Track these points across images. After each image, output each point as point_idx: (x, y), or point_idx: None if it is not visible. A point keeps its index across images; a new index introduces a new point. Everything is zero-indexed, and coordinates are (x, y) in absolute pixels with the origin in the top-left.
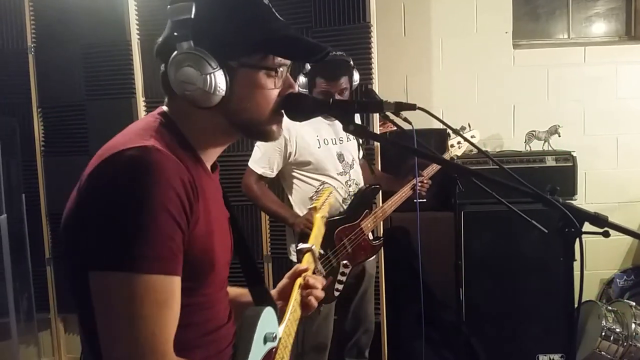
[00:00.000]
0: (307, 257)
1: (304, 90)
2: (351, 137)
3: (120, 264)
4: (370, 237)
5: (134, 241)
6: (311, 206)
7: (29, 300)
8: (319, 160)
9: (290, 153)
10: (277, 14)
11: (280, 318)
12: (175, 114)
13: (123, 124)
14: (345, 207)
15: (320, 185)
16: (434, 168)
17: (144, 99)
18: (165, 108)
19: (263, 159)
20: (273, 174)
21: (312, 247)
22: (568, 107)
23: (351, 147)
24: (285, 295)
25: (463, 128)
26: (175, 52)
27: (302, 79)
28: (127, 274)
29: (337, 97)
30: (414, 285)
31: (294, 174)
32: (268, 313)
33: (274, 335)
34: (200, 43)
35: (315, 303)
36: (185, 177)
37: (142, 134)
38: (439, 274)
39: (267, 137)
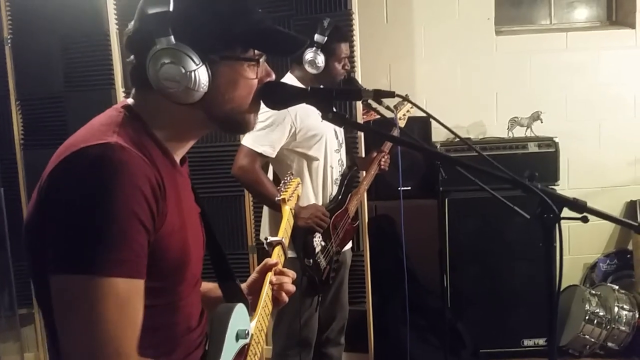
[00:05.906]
0: (277, 251)
1: (316, 65)
2: None
3: (81, 267)
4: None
5: (95, 244)
6: (279, 198)
7: (10, 295)
8: (324, 132)
9: (295, 130)
10: (254, 4)
11: (251, 313)
12: (142, 108)
13: None
14: (336, 188)
15: (290, 176)
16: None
17: (123, 90)
18: (130, 101)
19: (263, 137)
20: (274, 154)
21: (282, 240)
22: (550, 93)
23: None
24: (256, 289)
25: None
26: (156, 48)
27: (309, 55)
28: (88, 276)
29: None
30: (399, 273)
31: (292, 155)
32: (239, 309)
33: (246, 331)
34: (181, 37)
35: (286, 298)
36: (152, 175)
37: (104, 130)
38: (424, 261)
39: (245, 127)
